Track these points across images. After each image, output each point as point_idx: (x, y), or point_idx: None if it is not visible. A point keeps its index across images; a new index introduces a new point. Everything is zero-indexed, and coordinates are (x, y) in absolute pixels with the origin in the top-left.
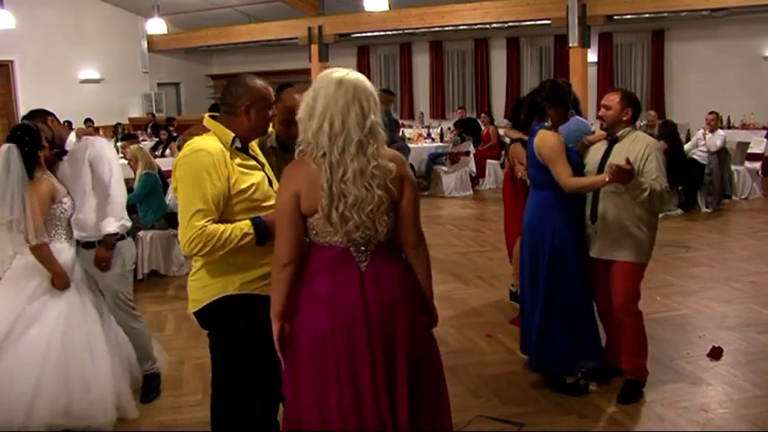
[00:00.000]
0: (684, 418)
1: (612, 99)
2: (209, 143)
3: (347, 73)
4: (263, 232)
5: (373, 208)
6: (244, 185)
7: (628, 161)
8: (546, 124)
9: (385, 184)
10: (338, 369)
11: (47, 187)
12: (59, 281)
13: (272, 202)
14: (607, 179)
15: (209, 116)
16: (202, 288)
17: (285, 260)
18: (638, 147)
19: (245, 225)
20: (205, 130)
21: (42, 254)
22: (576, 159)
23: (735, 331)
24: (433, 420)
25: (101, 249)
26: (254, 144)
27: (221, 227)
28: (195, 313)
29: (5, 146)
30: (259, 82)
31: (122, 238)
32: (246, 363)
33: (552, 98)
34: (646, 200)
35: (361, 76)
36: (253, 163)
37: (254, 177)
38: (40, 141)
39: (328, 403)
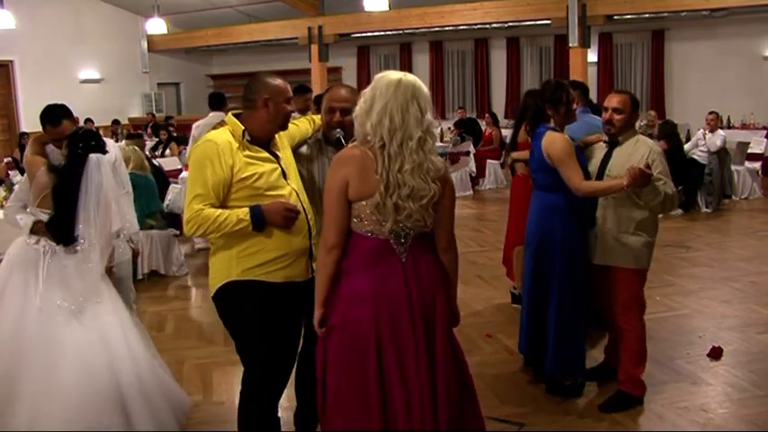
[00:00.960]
0: (684, 418)
1: (623, 102)
2: (218, 135)
3: (404, 75)
4: (259, 220)
5: (428, 200)
6: (246, 174)
7: (648, 165)
8: (551, 125)
9: (435, 179)
10: (380, 362)
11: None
12: None
13: (277, 192)
14: (625, 183)
15: (233, 114)
16: (212, 275)
17: (331, 243)
18: (641, 150)
19: (242, 212)
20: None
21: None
22: (583, 161)
23: (735, 331)
24: (468, 405)
25: (135, 246)
26: (282, 139)
27: (218, 211)
28: (212, 299)
29: (96, 157)
30: (277, 79)
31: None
32: (255, 347)
33: (553, 99)
34: (658, 205)
35: (417, 79)
36: (264, 155)
37: (260, 168)
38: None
39: (370, 394)
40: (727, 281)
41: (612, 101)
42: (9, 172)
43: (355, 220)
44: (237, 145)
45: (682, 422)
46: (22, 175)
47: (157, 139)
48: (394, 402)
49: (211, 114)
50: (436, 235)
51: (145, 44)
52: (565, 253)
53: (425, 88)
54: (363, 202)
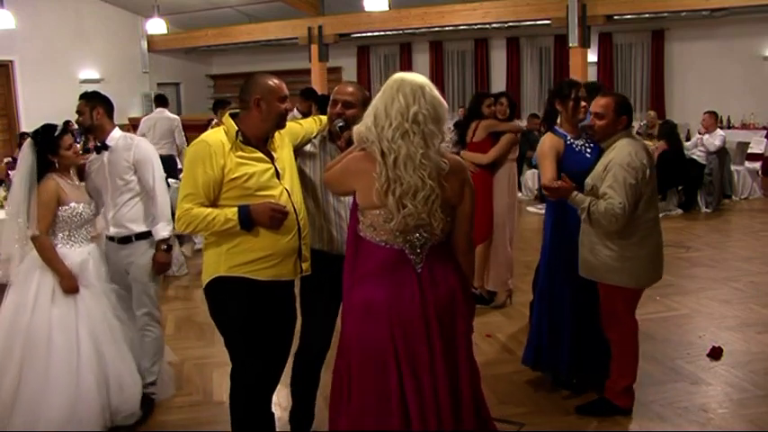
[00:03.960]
0: (684, 418)
1: (604, 106)
2: (212, 135)
3: (402, 73)
4: (247, 220)
5: (426, 197)
6: (236, 174)
7: (564, 179)
8: (556, 128)
9: (437, 177)
10: (400, 374)
11: (51, 187)
12: (66, 283)
13: (267, 192)
14: (546, 193)
15: (230, 114)
16: (204, 269)
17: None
18: (608, 158)
19: (230, 212)
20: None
21: (42, 246)
22: (578, 163)
23: (735, 331)
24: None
25: (161, 254)
26: (283, 138)
27: (207, 210)
28: (203, 291)
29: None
30: (271, 79)
31: (150, 235)
32: (238, 343)
33: (561, 95)
34: (586, 219)
35: (412, 75)
36: (258, 155)
37: (251, 168)
38: (56, 147)
39: (391, 409)
40: (727, 281)
41: (594, 105)
42: (9, 172)
43: (370, 228)
44: (230, 146)
45: (682, 422)
46: None
47: None
48: (411, 417)
49: (157, 110)
50: (455, 238)
51: (145, 44)
52: (544, 252)
53: (419, 81)
54: (376, 212)
